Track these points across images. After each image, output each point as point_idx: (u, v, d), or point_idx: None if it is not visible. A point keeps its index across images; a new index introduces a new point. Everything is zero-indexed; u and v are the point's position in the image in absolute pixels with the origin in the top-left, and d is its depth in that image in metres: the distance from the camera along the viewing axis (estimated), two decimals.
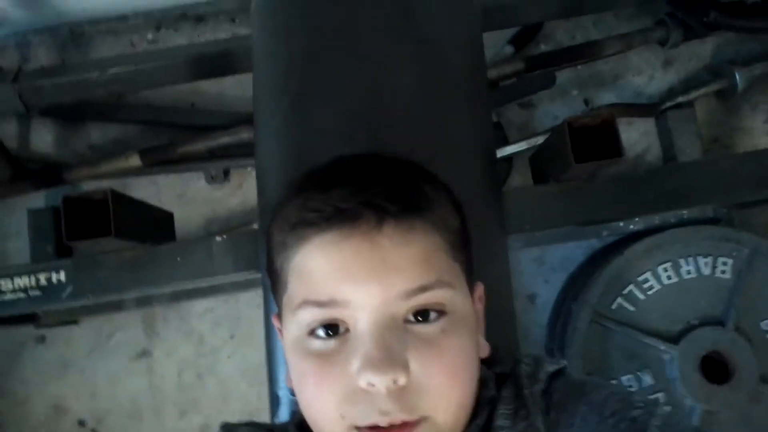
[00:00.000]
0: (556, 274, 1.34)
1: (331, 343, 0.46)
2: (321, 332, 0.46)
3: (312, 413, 0.48)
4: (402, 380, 0.43)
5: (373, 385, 0.43)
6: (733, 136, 1.32)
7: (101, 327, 1.40)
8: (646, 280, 1.16)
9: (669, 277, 1.16)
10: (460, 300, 0.48)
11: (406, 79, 0.72)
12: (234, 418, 0.56)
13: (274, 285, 0.54)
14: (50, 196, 1.37)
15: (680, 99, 1.24)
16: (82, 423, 1.39)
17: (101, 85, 1.17)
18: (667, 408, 0.45)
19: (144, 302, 1.26)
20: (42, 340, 1.41)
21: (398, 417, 0.44)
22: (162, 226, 0.87)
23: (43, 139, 1.44)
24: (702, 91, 1.24)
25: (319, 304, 0.46)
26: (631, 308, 1.16)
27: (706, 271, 1.16)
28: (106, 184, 1.25)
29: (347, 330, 0.46)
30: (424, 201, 0.49)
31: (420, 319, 0.46)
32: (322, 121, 0.71)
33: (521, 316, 1.34)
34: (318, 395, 0.46)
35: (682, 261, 1.15)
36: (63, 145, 1.44)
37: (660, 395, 1.16)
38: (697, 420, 1.13)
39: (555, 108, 1.35)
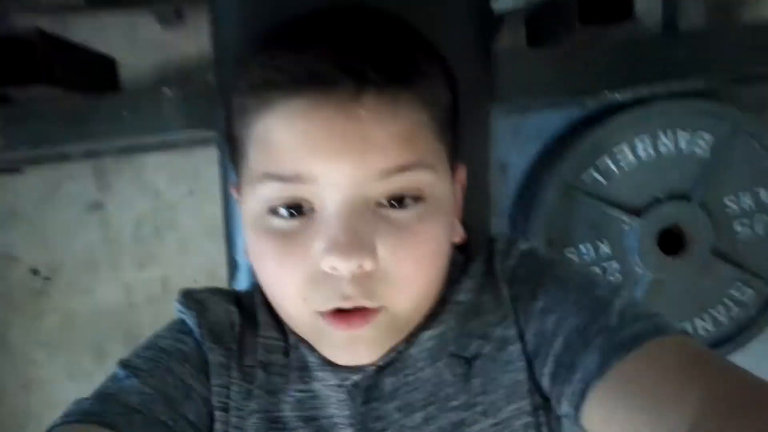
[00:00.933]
0: (530, 143, 1.30)
1: (294, 222, 0.42)
2: (283, 211, 0.41)
3: (272, 292, 0.45)
4: (368, 266, 0.40)
5: (336, 270, 0.40)
6: (737, 10, 1.22)
7: (48, 177, 1.31)
8: (621, 151, 1.14)
9: (645, 150, 1.14)
10: (440, 184, 0.44)
11: None
12: (195, 272, 0.52)
13: (232, 153, 0.47)
14: None
15: None
16: (35, 272, 1.36)
17: None
18: (628, 292, 0.44)
19: (92, 154, 1.17)
20: None
21: (360, 302, 0.41)
22: (104, 74, 0.76)
23: None
24: None
25: (282, 178, 0.40)
26: (603, 180, 1.15)
27: (683, 145, 1.14)
28: (43, 23, 1.09)
29: (312, 210, 0.41)
30: (414, 70, 0.42)
31: (395, 204, 0.41)
32: None
33: (491, 187, 1.32)
34: (278, 277, 0.43)
35: (661, 134, 1.13)
36: None
37: (614, 263, 1.19)
38: (644, 289, 1.18)
39: None
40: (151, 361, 0.44)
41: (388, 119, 0.40)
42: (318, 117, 0.39)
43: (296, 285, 0.42)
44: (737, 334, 1.25)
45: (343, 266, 0.39)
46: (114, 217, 1.34)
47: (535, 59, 0.67)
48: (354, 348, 0.44)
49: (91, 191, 1.33)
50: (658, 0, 1.15)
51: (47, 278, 1.37)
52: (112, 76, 0.79)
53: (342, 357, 0.45)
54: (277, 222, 0.42)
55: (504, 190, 1.30)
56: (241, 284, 0.67)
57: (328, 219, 0.40)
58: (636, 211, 1.17)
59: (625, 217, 1.16)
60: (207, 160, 1.30)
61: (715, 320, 1.25)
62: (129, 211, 1.34)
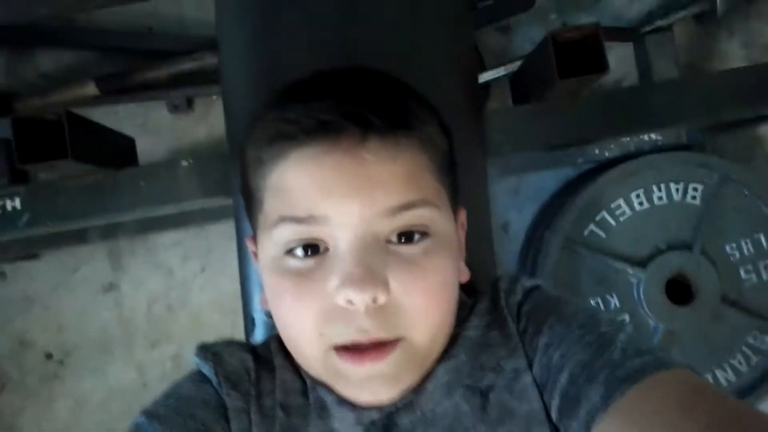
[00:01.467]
0: (530, 203, 1.34)
1: (310, 262, 0.44)
2: (299, 252, 0.44)
3: (289, 333, 0.47)
4: (382, 298, 0.42)
5: (351, 303, 0.42)
6: (710, 61, 1.31)
7: (65, 261, 1.36)
8: (618, 207, 1.17)
9: (641, 203, 1.17)
10: (444, 222, 0.47)
11: None
12: None
13: (248, 205, 0.51)
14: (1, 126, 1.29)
15: (659, 23, 1.22)
16: (48, 356, 1.37)
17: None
18: (631, 328, 0.45)
19: (109, 234, 1.22)
20: (2, 276, 1.36)
21: (376, 335, 0.43)
22: (123, 151, 0.82)
23: None
24: (681, 14, 1.22)
25: (297, 220, 0.43)
26: (603, 234, 1.18)
27: (677, 197, 1.17)
28: None
29: (326, 249, 0.44)
30: (412, 118, 0.46)
31: (403, 240, 0.44)
32: (293, 33, 0.66)
33: (495, 246, 1.35)
34: (295, 314, 0.45)
35: (654, 187, 1.17)
36: (11, 74, 1.35)
37: (625, 316, 1.19)
38: (658, 339, 1.18)
39: (533, 32, 1.31)
40: (172, 408, 0.45)
41: (390, 161, 0.44)
42: (328, 161, 0.43)
43: (312, 320, 0.43)
44: (760, 383, 1.22)
45: (358, 298, 0.41)
46: (127, 298, 1.37)
47: (521, 115, 0.73)
48: (373, 386, 0.44)
49: (106, 273, 1.36)
50: (633, 63, 1.25)
51: (60, 362, 1.37)
52: (131, 154, 0.84)
53: (361, 396, 0.45)
54: (293, 262, 0.44)
55: (508, 247, 1.33)
56: (258, 340, 0.69)
57: (342, 256, 0.43)
58: (640, 263, 1.18)
59: (629, 269, 1.17)
60: (219, 236, 1.35)
61: (735, 370, 1.22)
62: (142, 290, 1.37)
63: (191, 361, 0.51)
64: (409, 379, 0.46)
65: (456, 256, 0.49)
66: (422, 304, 0.44)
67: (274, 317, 0.48)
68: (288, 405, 0.48)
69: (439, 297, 0.45)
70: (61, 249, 1.32)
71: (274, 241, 0.45)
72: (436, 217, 0.46)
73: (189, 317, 1.37)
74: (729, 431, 0.34)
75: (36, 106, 1.20)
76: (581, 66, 0.67)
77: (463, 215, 0.54)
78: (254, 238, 0.52)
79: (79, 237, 1.21)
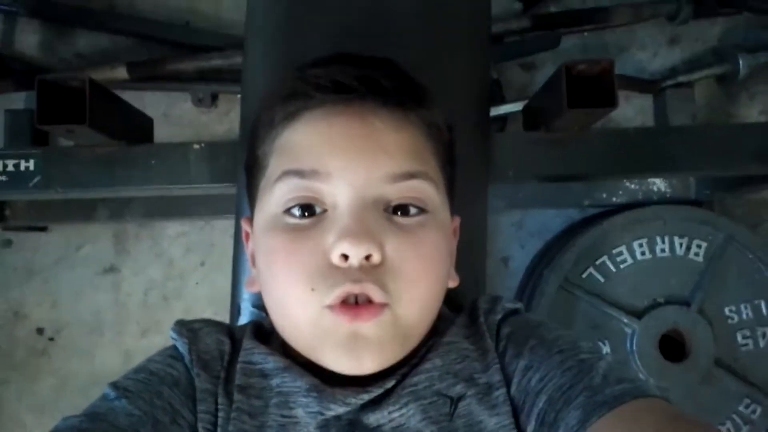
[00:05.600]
0: (532, 240, 1.34)
1: (306, 220, 0.45)
2: (296, 211, 0.45)
3: (280, 293, 0.46)
4: (376, 256, 0.43)
5: (346, 258, 0.42)
6: (727, 123, 1.32)
7: (70, 237, 1.38)
8: (620, 254, 1.17)
9: (643, 253, 1.17)
10: (440, 204, 0.48)
11: (405, 4, 0.70)
12: None
13: (250, 177, 0.52)
14: (30, 98, 1.32)
15: (681, 79, 1.23)
16: (40, 331, 1.38)
17: None
18: (612, 358, 0.45)
19: (117, 215, 1.24)
20: (8, 244, 1.38)
21: (369, 288, 0.42)
22: (140, 128, 0.84)
23: (29, 40, 1.39)
24: (704, 72, 1.23)
25: (300, 173, 0.45)
26: (601, 279, 1.17)
27: (680, 251, 1.17)
28: None
29: (324, 211, 0.45)
30: (423, 97, 0.48)
31: (400, 213, 0.45)
32: (314, 35, 0.69)
33: (494, 279, 1.34)
34: (288, 269, 0.44)
35: (658, 238, 1.16)
36: (48, 50, 1.39)
37: None
38: None
39: None
40: (141, 383, 0.45)
41: (398, 131, 0.46)
42: (337, 122, 0.45)
43: (305, 276, 0.43)
44: None
45: (353, 251, 0.42)
46: (126, 282, 1.38)
47: (527, 141, 0.74)
48: (357, 349, 0.43)
49: (109, 255, 1.38)
50: (651, 115, 1.26)
51: (51, 339, 1.38)
52: (148, 133, 0.86)
53: (345, 362, 0.44)
54: (290, 219, 0.45)
55: (507, 282, 1.32)
56: None
57: (340, 214, 0.44)
58: (636, 313, 1.17)
59: (624, 318, 1.16)
60: (222, 233, 1.36)
61: None
62: (141, 277, 1.38)
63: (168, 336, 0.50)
64: (392, 352, 0.45)
65: (449, 243, 0.50)
66: (413, 271, 0.44)
67: (265, 282, 0.48)
68: (247, 386, 0.47)
69: (430, 269, 0.46)
70: (69, 225, 1.34)
71: (274, 197, 0.46)
72: (434, 194, 0.47)
73: (183, 309, 1.38)
74: None
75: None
76: (592, 99, 0.68)
77: (456, 221, 0.54)
78: (249, 219, 0.53)
79: (88, 214, 1.23)
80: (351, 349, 0.43)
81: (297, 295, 0.44)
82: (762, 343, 1.19)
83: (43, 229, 1.36)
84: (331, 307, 0.43)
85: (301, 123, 0.46)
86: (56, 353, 1.38)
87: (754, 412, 1.19)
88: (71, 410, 0.42)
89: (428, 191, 0.46)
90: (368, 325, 0.43)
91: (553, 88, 0.71)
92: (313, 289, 0.43)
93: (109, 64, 1.23)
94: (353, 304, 0.43)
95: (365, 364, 0.44)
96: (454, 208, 0.53)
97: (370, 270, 0.43)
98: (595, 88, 0.70)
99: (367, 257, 0.42)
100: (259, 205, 0.49)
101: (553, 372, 0.44)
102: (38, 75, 0.71)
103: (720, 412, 1.19)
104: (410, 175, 0.45)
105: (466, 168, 0.55)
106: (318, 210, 0.45)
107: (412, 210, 0.46)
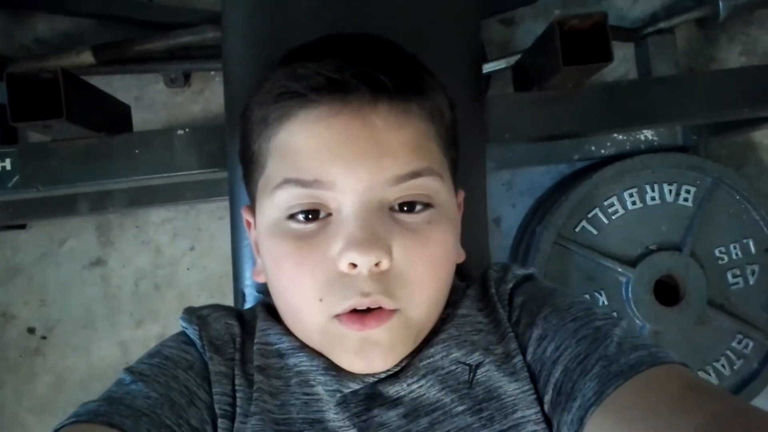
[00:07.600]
0: (523, 198, 1.34)
1: (311, 225, 0.44)
2: (301, 216, 0.44)
3: (288, 300, 0.46)
4: (385, 263, 0.42)
5: (355, 267, 0.41)
6: (709, 66, 1.32)
7: (52, 233, 1.34)
8: (611, 205, 1.18)
9: (634, 203, 1.18)
10: (446, 194, 0.47)
11: None
12: None
13: (247, 171, 0.50)
14: None
15: (662, 25, 1.22)
16: (31, 330, 1.35)
17: None
18: (626, 323, 0.45)
19: (98, 206, 1.20)
20: None
21: (378, 299, 0.42)
22: (119, 117, 0.81)
23: None
24: (684, 17, 1.22)
25: (302, 183, 0.43)
26: (594, 231, 1.18)
27: (670, 198, 1.18)
28: None
29: (328, 215, 0.44)
30: (422, 84, 0.46)
31: (406, 209, 0.44)
32: (295, 6, 0.66)
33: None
34: (295, 280, 0.44)
35: (647, 187, 1.17)
36: (6, 37, 1.32)
37: (613, 314, 1.20)
38: None
39: (537, 27, 1.31)
40: (156, 367, 0.45)
41: (399, 128, 0.43)
42: (336, 124, 0.42)
43: (314, 286, 0.43)
44: (742, 387, 1.23)
45: (361, 261, 0.41)
46: (114, 274, 1.35)
47: (522, 102, 0.72)
48: (368, 353, 0.44)
49: (94, 248, 1.35)
50: (634, 63, 1.25)
51: (43, 337, 1.35)
52: (126, 120, 0.83)
53: (356, 363, 0.45)
54: (295, 225, 0.44)
55: (499, 242, 1.33)
56: None
57: (346, 220, 0.42)
58: (629, 262, 1.19)
59: (619, 268, 1.18)
60: (209, 216, 1.34)
61: (718, 373, 1.23)
62: (129, 267, 1.35)
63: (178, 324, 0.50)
64: (403, 350, 0.46)
65: (456, 231, 0.49)
66: (423, 274, 0.44)
67: (272, 284, 0.47)
68: (266, 366, 0.47)
69: (440, 268, 0.45)
70: (49, 220, 1.30)
71: (275, 203, 0.45)
72: (440, 188, 0.45)
73: (176, 296, 1.36)
74: (725, 427, 0.33)
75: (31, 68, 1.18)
76: (586, 54, 0.67)
77: (461, 196, 0.53)
78: (250, 208, 0.52)
79: (69, 208, 1.19)
80: (362, 353, 0.44)
81: (305, 304, 0.44)
82: (752, 281, 1.22)
83: (22, 227, 1.32)
84: (339, 317, 0.43)
85: (297, 124, 0.44)
86: (50, 351, 1.36)
87: (746, 347, 1.23)
88: (72, 407, 0.42)
89: (434, 186, 0.45)
90: (378, 331, 0.43)
91: (546, 46, 0.69)
92: (321, 300, 0.43)
93: (73, 49, 1.17)
94: (363, 311, 0.43)
95: (377, 365, 0.45)
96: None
97: (378, 276, 0.42)
98: (587, 41, 0.68)
99: (377, 264, 0.42)
100: (259, 205, 0.48)
101: (568, 341, 0.44)
102: (5, 70, 0.66)
103: (715, 350, 1.23)
104: (415, 174, 0.44)
105: (463, 137, 0.54)
106: (322, 214, 0.44)
107: (418, 206, 0.44)
